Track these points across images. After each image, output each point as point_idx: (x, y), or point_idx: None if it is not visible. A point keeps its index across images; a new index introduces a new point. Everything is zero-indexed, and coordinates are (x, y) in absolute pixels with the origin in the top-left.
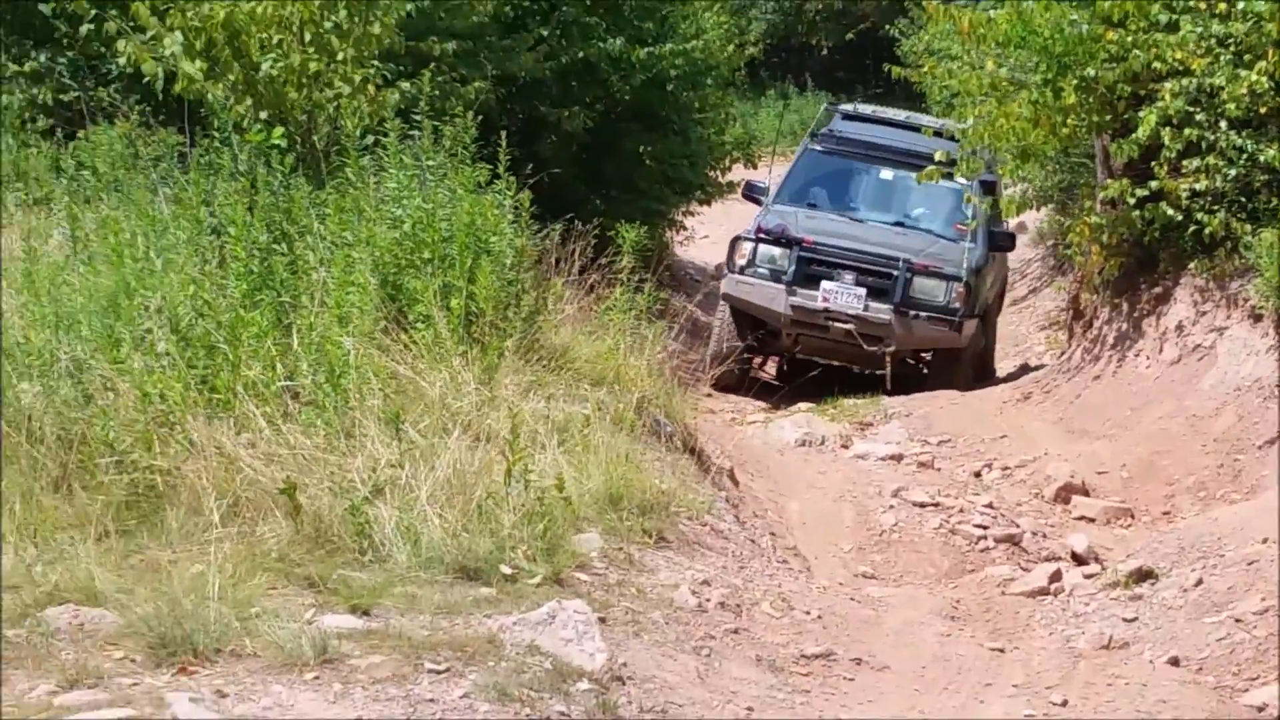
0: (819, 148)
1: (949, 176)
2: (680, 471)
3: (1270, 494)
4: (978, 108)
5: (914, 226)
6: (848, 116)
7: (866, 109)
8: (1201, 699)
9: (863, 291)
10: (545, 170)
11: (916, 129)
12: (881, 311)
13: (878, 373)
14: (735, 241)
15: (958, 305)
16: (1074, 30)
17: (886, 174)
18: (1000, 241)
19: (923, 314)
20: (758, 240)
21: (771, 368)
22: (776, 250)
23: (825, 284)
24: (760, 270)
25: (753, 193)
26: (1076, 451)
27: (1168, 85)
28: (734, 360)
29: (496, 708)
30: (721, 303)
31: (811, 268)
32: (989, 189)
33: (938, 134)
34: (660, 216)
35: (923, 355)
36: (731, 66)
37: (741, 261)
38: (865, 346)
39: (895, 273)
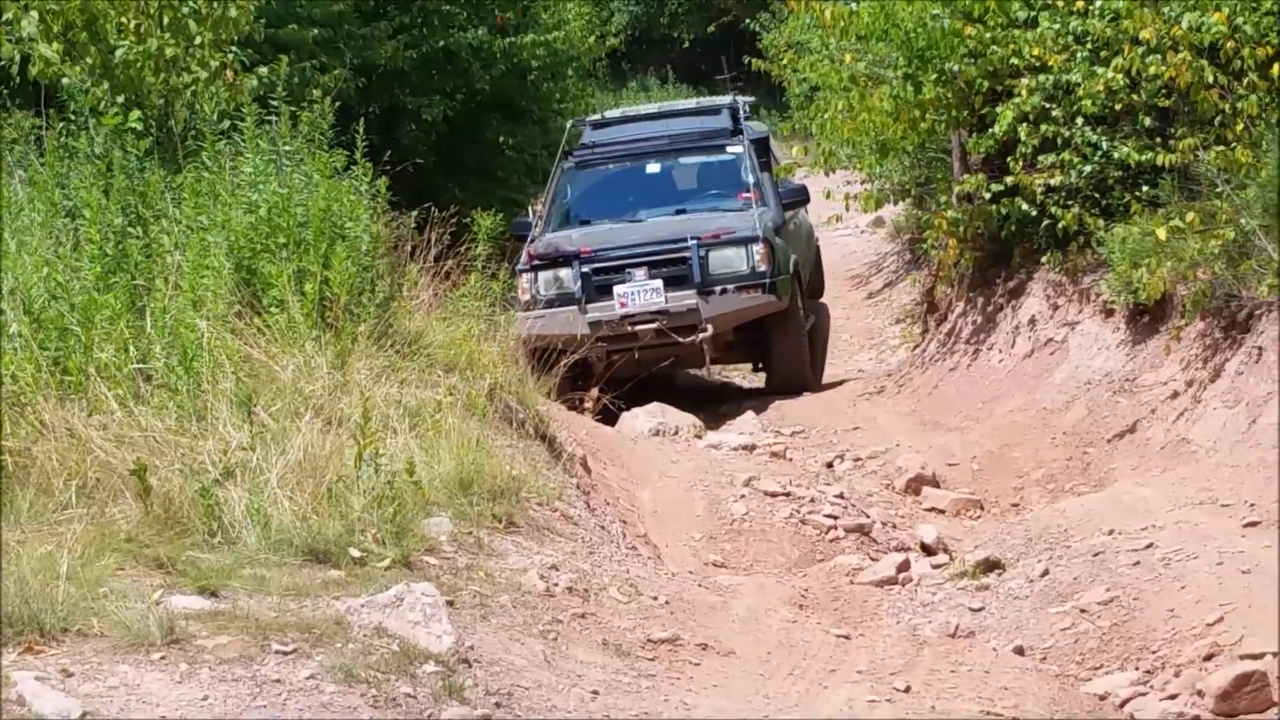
0: (574, 164)
1: (721, 149)
2: (532, 458)
3: (1118, 485)
4: (838, 101)
5: (696, 209)
6: (598, 125)
7: (615, 113)
8: (1044, 686)
9: (659, 284)
10: (405, 159)
11: (673, 115)
12: (685, 298)
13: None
14: (516, 276)
15: (764, 267)
16: (936, 24)
17: (654, 167)
18: (793, 197)
19: (730, 287)
20: (534, 269)
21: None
22: (556, 273)
23: (619, 289)
24: (547, 298)
25: (522, 230)
26: (928, 443)
27: (1025, 81)
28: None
29: (343, 688)
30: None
31: (599, 277)
32: (763, 147)
33: (698, 112)
34: (519, 206)
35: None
36: (593, 57)
37: (526, 297)
38: (682, 341)
39: (687, 253)
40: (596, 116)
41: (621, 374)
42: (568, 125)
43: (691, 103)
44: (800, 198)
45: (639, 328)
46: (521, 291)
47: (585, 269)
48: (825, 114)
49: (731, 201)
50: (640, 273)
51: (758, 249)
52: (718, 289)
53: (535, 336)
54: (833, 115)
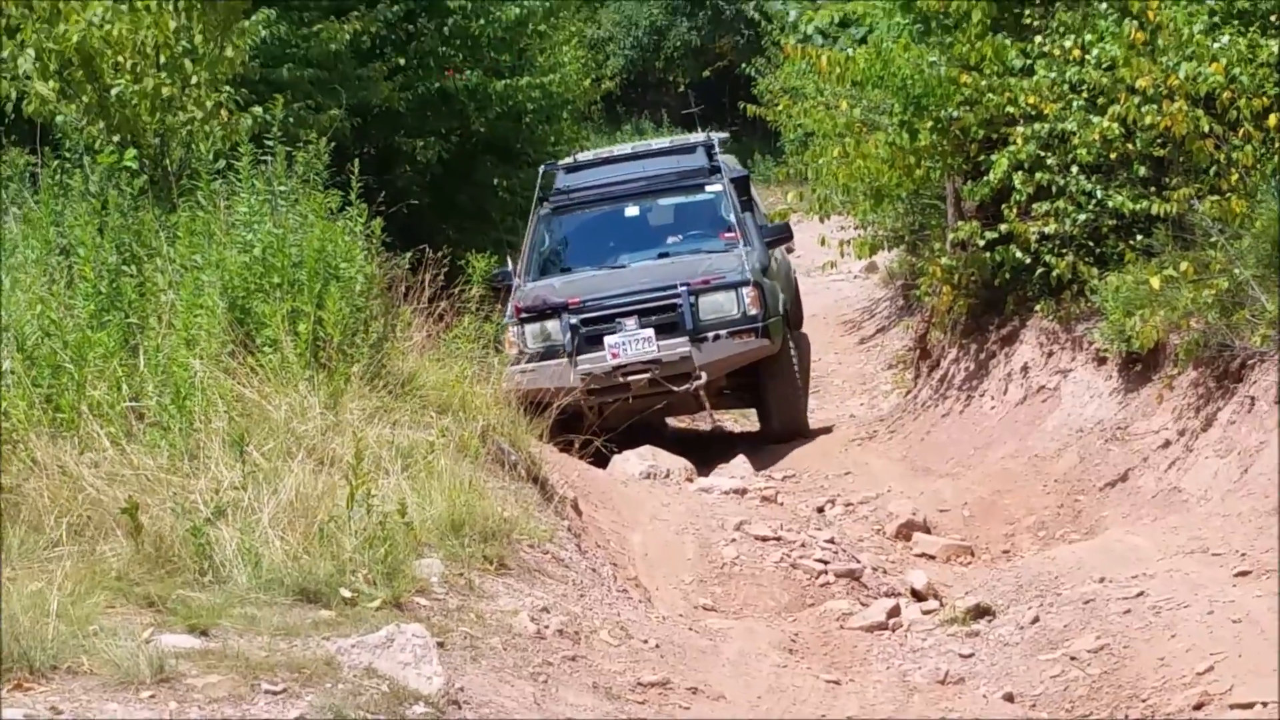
0: (549, 210)
1: (700, 188)
2: (523, 500)
3: (1109, 533)
4: (834, 149)
5: (679, 251)
6: (571, 169)
7: (586, 156)
8: None
9: (650, 333)
10: (399, 200)
11: (647, 155)
12: (677, 346)
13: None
14: (504, 330)
15: (756, 311)
16: (932, 71)
17: (632, 210)
18: (776, 235)
19: (722, 332)
20: (520, 321)
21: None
22: (544, 324)
23: (609, 339)
24: (535, 350)
25: (501, 281)
26: (919, 489)
27: (1020, 129)
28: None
29: None
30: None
31: (588, 328)
32: (743, 186)
33: (672, 151)
34: (513, 248)
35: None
36: (588, 101)
37: (514, 351)
38: (675, 389)
39: (677, 300)
40: (568, 160)
41: (612, 422)
42: (540, 170)
43: (665, 142)
44: (783, 235)
45: (631, 378)
46: (509, 345)
47: (574, 320)
48: (820, 160)
49: (714, 242)
50: (630, 322)
51: (748, 292)
52: (710, 335)
53: (526, 390)
54: (828, 161)
